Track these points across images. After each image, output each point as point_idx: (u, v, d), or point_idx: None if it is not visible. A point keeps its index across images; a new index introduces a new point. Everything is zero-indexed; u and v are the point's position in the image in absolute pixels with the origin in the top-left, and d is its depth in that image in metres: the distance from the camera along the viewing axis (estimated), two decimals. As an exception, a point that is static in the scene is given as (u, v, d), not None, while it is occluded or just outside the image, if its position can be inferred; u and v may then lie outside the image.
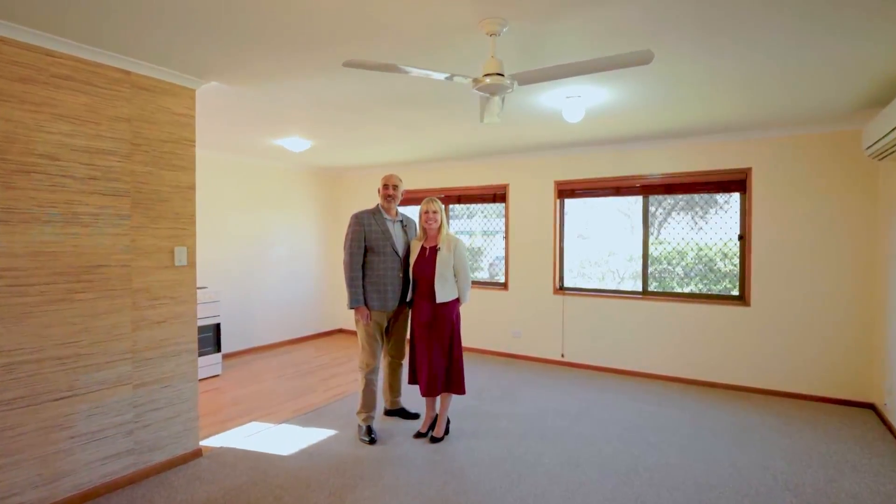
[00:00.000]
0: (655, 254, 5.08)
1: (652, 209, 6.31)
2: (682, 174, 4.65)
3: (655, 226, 6.21)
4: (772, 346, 4.27)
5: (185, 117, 2.96)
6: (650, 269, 4.98)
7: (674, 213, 5.08)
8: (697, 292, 4.76)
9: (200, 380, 4.68)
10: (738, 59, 2.64)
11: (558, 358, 5.29)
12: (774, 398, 4.17)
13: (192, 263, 3.03)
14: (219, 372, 4.88)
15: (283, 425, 3.57)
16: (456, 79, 2.05)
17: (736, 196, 4.57)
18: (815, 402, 4.06)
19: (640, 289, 4.99)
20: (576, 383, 4.59)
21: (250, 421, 3.66)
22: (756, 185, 4.34)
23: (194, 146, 3.03)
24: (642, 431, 3.45)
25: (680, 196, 4.87)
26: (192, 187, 3.03)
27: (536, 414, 3.79)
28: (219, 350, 4.88)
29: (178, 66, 2.76)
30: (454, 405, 3.77)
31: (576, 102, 3.32)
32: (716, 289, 4.72)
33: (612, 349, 5.00)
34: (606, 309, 5.04)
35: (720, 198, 4.74)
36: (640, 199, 5.72)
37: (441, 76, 2.03)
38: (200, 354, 4.69)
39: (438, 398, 3.34)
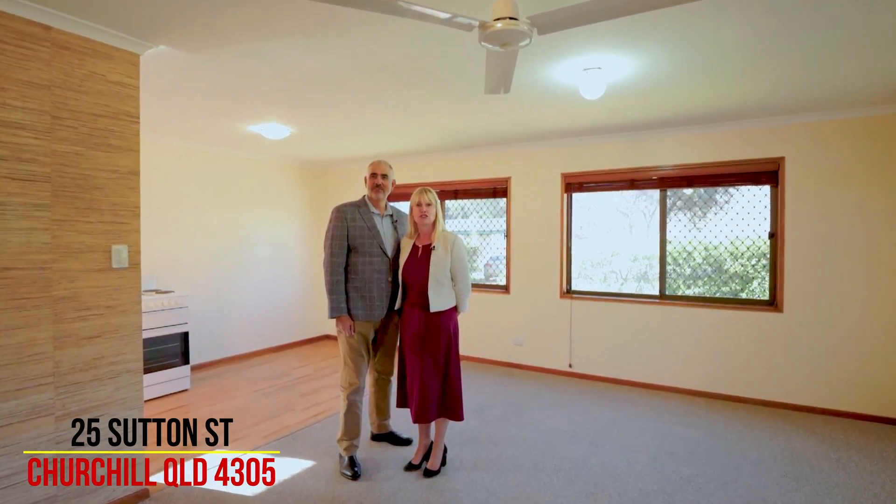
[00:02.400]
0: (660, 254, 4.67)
1: (650, 208, 5.90)
2: (706, 164, 4.16)
3: (655, 225, 5.77)
4: (808, 357, 3.80)
5: (125, 87, 2.43)
6: (655, 271, 4.52)
7: (673, 213, 4.74)
8: (722, 296, 4.28)
9: (165, 396, 4.15)
10: (786, 25, 2.18)
11: (566, 368, 4.80)
12: (814, 416, 3.69)
13: (135, 265, 2.50)
14: (187, 386, 4.34)
15: (253, 454, 3.04)
16: (458, 20, 1.55)
17: (738, 192, 4.12)
18: (861, 422, 3.58)
19: (656, 292, 4.51)
20: (588, 399, 4.09)
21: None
22: (790, 176, 3.87)
23: (138, 123, 2.50)
24: (673, 461, 2.96)
25: (682, 194, 4.40)
26: (136, 173, 2.50)
27: (547, 438, 3.28)
28: (187, 362, 4.34)
29: (113, 22, 2.24)
30: (452, 428, 3.26)
31: (595, 76, 2.83)
32: (724, 290, 4.30)
33: (627, 359, 4.51)
34: (619, 314, 4.56)
35: (720, 196, 4.33)
36: (638, 197, 5.30)
37: (437, 14, 1.53)
38: (166, 367, 4.17)
39: (433, 424, 2.83)
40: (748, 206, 4.16)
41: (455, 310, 2.75)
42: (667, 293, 4.45)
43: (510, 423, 3.54)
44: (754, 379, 3.99)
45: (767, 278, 4.10)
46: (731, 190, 4.24)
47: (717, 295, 4.33)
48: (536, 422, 3.58)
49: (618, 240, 5.23)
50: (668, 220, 4.46)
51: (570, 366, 4.78)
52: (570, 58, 2.66)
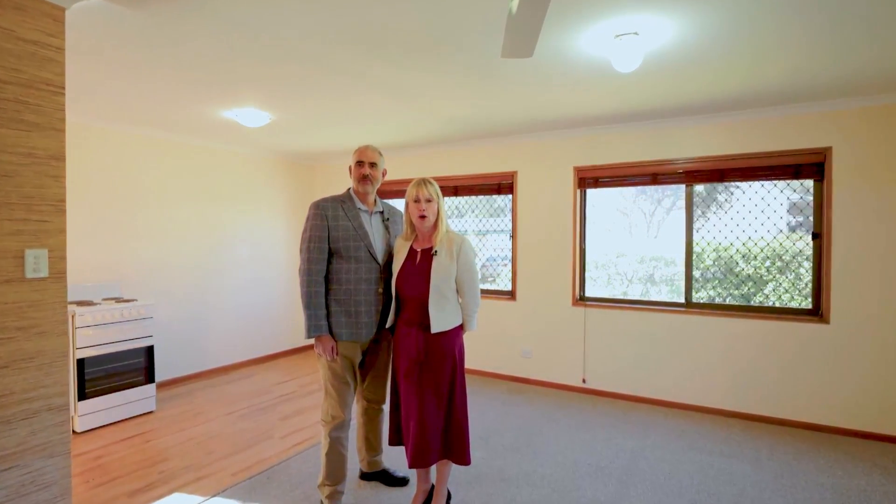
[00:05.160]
0: (668, 256, 4.25)
1: (651, 208, 5.57)
2: (740, 156, 3.68)
3: (655, 225, 5.38)
4: (861, 375, 3.33)
5: (43, 48, 1.91)
6: (661, 273, 4.09)
7: (674, 213, 4.37)
8: (758, 305, 3.81)
9: (124, 420, 3.62)
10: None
11: (579, 384, 4.32)
12: (871, 443, 3.22)
13: (59, 274, 1.98)
14: (152, 408, 3.82)
15: (216, 500, 2.54)
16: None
17: (739, 190, 3.73)
18: (924, 451, 3.12)
19: (664, 296, 4.06)
20: (608, 421, 3.61)
21: (171, 492, 2.62)
22: (838, 168, 3.40)
23: (62, 95, 1.98)
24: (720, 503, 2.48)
25: (681, 193, 3.98)
26: (59, 158, 1.99)
27: (567, 474, 2.79)
28: (151, 380, 3.81)
29: (20, -40, 1.73)
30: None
31: (630, 44, 2.34)
32: (736, 293, 3.88)
33: (648, 375, 4.03)
34: (639, 324, 4.07)
35: (721, 196, 3.96)
36: (638, 196, 4.88)
37: None
38: (125, 387, 3.64)
39: (433, 466, 2.33)
40: (749, 203, 3.80)
41: (461, 329, 2.25)
42: (693, 301, 3.97)
43: (522, 455, 3.05)
44: (797, 399, 3.51)
45: (782, 282, 3.70)
46: (732, 188, 3.88)
47: (729, 300, 3.91)
48: (553, 452, 3.08)
49: (621, 240, 4.82)
50: (669, 219, 4.03)
51: (584, 381, 4.29)
52: (600, 20, 2.17)
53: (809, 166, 3.51)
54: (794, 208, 3.72)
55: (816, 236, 3.54)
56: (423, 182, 2.22)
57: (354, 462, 2.79)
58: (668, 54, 2.53)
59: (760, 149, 3.61)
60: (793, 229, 3.74)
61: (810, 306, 3.59)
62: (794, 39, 2.35)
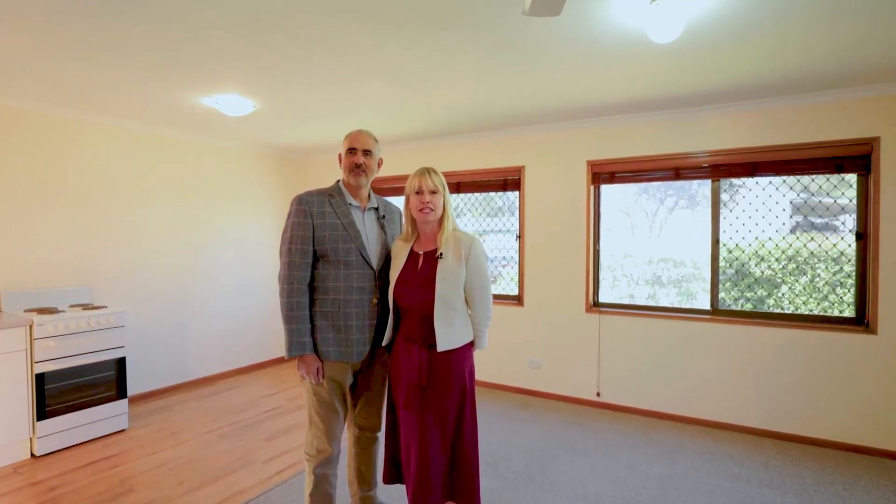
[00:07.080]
0: (677, 257, 4.03)
1: (653, 207, 5.31)
2: (775, 148, 3.33)
3: (657, 225, 5.10)
4: (912, 392, 2.99)
5: (-45, 3, 1.55)
6: (668, 274, 3.80)
7: (676, 212, 4.22)
8: (792, 313, 3.46)
9: (92, 440, 3.25)
10: None
11: (592, 398, 3.96)
12: (925, 470, 2.88)
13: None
14: (124, 425, 3.45)
15: (183, 544, 2.17)
16: None
17: (745, 187, 3.43)
18: None
19: (700, 304, 3.71)
20: (628, 442, 3.25)
21: (132, 533, 2.26)
22: (886, 161, 3.05)
23: (-17, 63, 1.62)
24: (773, 553, 2.13)
25: (685, 192, 3.67)
26: (-21, 140, 1.62)
27: (589, 510, 2.44)
28: (123, 395, 3.44)
29: None
30: (461, 498, 2.40)
31: (668, 9, 1.98)
32: (750, 296, 3.57)
33: (670, 388, 3.67)
34: (659, 333, 3.72)
35: (725, 195, 3.64)
36: (640, 195, 4.52)
37: None
38: (93, 404, 3.27)
39: (439, 508, 1.97)
40: (755, 202, 3.52)
41: (471, 346, 1.89)
42: (720, 308, 3.62)
43: (536, 484, 2.69)
44: (840, 418, 3.16)
45: (797, 285, 3.40)
46: (735, 186, 3.59)
47: (741, 302, 3.58)
48: (570, 481, 2.73)
49: (627, 241, 4.49)
50: (672, 219, 3.72)
51: (598, 395, 3.94)
52: (638, -21, 1.82)
53: (854, 159, 3.16)
54: (823, 207, 3.38)
55: (861, 237, 3.19)
56: (427, 171, 1.86)
57: (345, 495, 2.43)
58: (712, 24, 2.17)
59: (798, 139, 3.26)
60: (807, 228, 3.42)
61: (854, 314, 3.24)
62: (856, 6, 2.00)
